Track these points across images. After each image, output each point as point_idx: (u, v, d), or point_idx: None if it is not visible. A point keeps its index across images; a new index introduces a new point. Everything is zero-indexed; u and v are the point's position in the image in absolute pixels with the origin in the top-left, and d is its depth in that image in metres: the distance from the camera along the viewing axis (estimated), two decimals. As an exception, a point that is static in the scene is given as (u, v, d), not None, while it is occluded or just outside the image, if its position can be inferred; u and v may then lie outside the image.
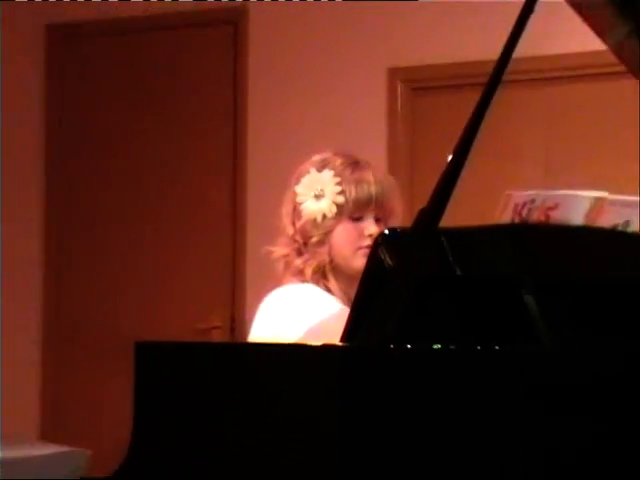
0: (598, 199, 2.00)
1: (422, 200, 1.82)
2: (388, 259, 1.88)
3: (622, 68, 2.26)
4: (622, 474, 1.79)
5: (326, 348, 1.92)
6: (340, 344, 1.91)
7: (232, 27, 4.70)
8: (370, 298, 1.95)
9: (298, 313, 2.48)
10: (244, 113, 4.68)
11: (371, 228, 2.46)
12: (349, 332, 1.91)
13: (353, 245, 2.48)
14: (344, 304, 2.45)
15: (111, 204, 4.64)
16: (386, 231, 1.95)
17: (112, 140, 4.70)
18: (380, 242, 1.87)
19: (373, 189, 2.46)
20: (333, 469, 1.71)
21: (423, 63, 4.38)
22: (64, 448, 3.45)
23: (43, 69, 4.72)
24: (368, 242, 2.41)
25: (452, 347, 1.79)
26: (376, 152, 4.09)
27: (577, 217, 1.99)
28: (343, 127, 4.45)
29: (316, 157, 2.52)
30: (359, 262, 2.39)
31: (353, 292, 2.23)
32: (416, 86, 4.53)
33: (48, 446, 3.75)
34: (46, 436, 4.41)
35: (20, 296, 4.74)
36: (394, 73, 4.44)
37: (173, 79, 4.77)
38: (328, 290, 2.49)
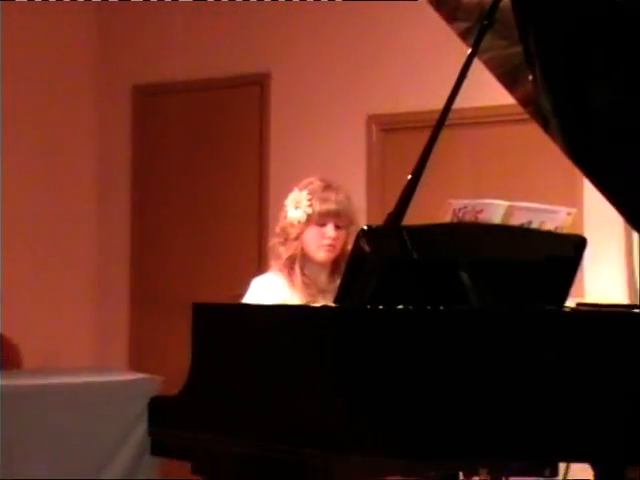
0: (510, 206, 2.68)
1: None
2: (366, 246, 2.50)
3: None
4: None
5: (323, 308, 2.70)
6: (333, 305, 2.59)
7: (259, 87, 5.86)
8: (354, 274, 2.60)
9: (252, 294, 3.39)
10: (267, 149, 5.90)
11: (330, 232, 3.28)
12: (340, 297, 2.56)
13: (316, 243, 3.31)
14: (300, 289, 3.31)
15: (179, 210, 6.08)
16: (365, 227, 2.57)
17: (178, 171, 6.10)
18: (361, 235, 2.51)
19: (333, 206, 3.29)
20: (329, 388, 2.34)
21: (393, 112, 5.44)
22: (145, 375, 4.44)
23: (130, 120, 6.16)
24: (327, 242, 3.32)
25: (410, 308, 2.39)
26: (358, 178, 5.36)
27: (496, 218, 2.68)
28: (335, 159, 5.52)
29: (304, 181, 3.39)
30: (320, 255, 3.32)
31: (319, 277, 3.34)
32: (387, 128, 5.56)
33: (133, 374, 4.86)
34: (132, 368, 5.72)
35: (114, 271, 6.24)
36: (371, 119, 5.52)
37: (217, 128, 6.04)
38: (291, 278, 3.31)
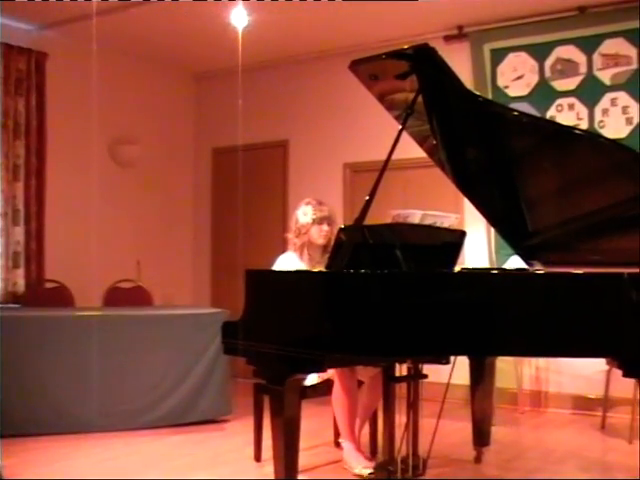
0: (424, 214, 3.97)
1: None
2: (343, 236, 3.67)
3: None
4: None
5: (320, 272, 3.78)
6: (324, 270, 3.68)
7: (282, 149, 8.19)
8: (335, 253, 3.69)
9: (278, 264, 4.70)
10: (286, 190, 8.23)
11: (325, 228, 4.71)
12: (328, 266, 3.65)
13: (317, 234, 4.73)
14: (307, 262, 4.69)
15: (247, 222, 8.19)
16: (342, 226, 3.79)
17: (236, 199, 8.11)
18: (340, 230, 3.71)
19: (326, 214, 4.75)
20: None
21: (359, 161, 7.62)
22: (220, 309, 6.04)
23: (210, 173, 8.97)
24: (324, 234, 4.70)
25: (368, 272, 3.41)
26: (337, 199, 7.50)
27: (415, 221, 3.97)
28: (324, 189, 7.58)
29: (306, 199, 4.79)
30: (320, 241, 4.71)
31: (317, 254, 4.70)
32: (356, 170, 7.64)
33: (212, 309, 6.42)
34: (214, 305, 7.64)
35: (202, 246, 8.87)
36: (346, 165, 7.78)
37: (255, 178, 8.32)
38: (302, 255, 4.71)
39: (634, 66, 6.48)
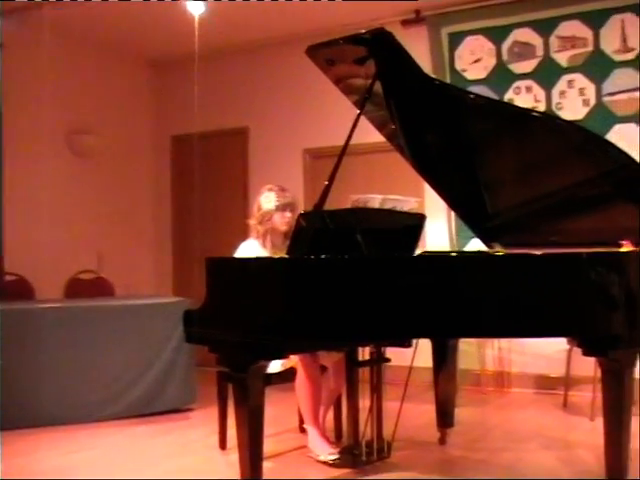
0: (383, 198, 3.96)
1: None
2: (302, 222, 3.64)
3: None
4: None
5: (281, 259, 3.78)
6: (286, 257, 3.64)
7: (242, 136, 8.18)
8: (296, 239, 3.66)
9: (240, 252, 4.65)
10: (247, 177, 8.22)
11: (287, 215, 4.67)
12: (289, 252, 3.63)
13: (280, 221, 4.69)
14: (269, 249, 4.66)
15: (202, 209, 8.11)
16: (302, 212, 3.79)
17: (196, 186, 7.97)
18: (300, 215, 3.68)
19: (289, 199, 4.71)
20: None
21: (318, 146, 7.57)
22: (182, 298, 6.08)
23: (170, 161, 8.81)
24: (286, 220, 4.66)
25: (328, 257, 3.39)
26: (298, 184, 7.39)
27: (376, 205, 3.95)
28: (286, 175, 7.57)
29: (268, 186, 4.75)
30: (283, 228, 4.67)
31: (280, 241, 4.63)
32: (316, 155, 7.61)
33: (175, 298, 6.47)
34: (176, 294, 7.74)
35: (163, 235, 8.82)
36: (306, 151, 7.74)
37: (216, 165, 8.33)
38: (265, 242, 4.68)
39: (590, 48, 6.54)
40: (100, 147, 8.13)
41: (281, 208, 4.69)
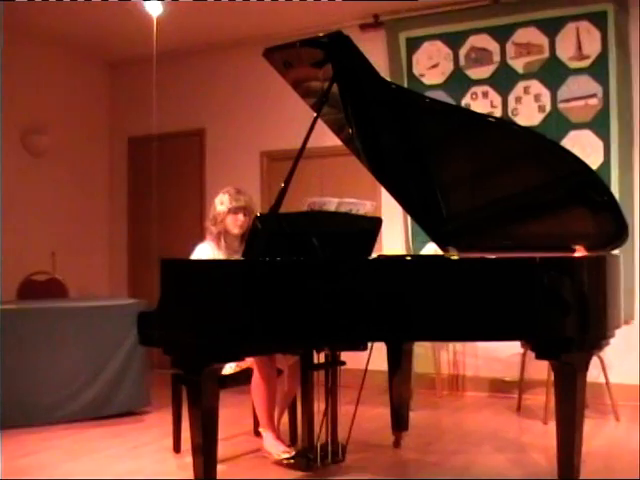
0: (339, 201, 3.95)
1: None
2: (259, 225, 3.61)
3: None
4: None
5: (237, 261, 3.82)
6: (242, 260, 3.64)
7: (199, 137, 8.07)
8: (251, 242, 3.66)
9: (195, 254, 4.61)
10: (204, 178, 8.18)
11: (241, 218, 4.62)
12: (245, 254, 3.64)
13: (233, 224, 4.64)
14: (224, 251, 4.60)
15: (160, 207, 8.01)
16: (258, 214, 3.72)
17: (152, 186, 7.97)
18: (256, 218, 3.64)
19: (242, 202, 4.65)
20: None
21: (276, 149, 7.54)
22: (137, 300, 5.98)
23: (126, 162, 8.71)
24: (239, 223, 4.60)
25: (282, 260, 3.38)
26: (255, 187, 7.39)
27: (332, 208, 3.94)
28: (243, 176, 7.60)
29: (225, 188, 4.70)
30: (235, 231, 4.63)
31: (235, 244, 4.58)
32: (273, 158, 7.58)
33: (130, 299, 6.36)
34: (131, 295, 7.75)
35: (118, 236, 8.73)
36: (263, 153, 7.71)
37: (177, 163, 8.31)
38: (219, 244, 4.63)
39: (546, 55, 6.61)
40: (56, 147, 8.03)
41: (233, 211, 4.65)
